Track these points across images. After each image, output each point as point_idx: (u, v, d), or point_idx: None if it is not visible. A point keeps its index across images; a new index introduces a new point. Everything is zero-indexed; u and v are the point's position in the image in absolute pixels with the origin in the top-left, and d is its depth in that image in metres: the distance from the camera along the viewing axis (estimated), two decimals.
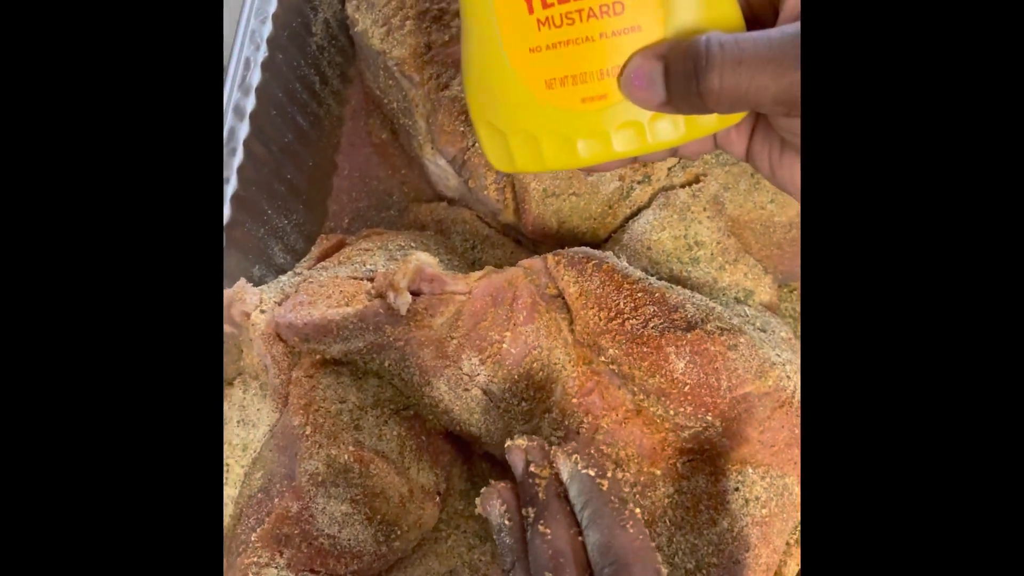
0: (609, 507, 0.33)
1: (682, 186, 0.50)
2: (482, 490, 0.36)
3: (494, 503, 0.36)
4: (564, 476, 0.35)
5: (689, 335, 0.40)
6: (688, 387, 0.40)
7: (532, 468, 0.36)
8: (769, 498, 0.44)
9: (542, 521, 0.33)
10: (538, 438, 0.37)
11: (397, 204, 0.60)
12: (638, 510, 0.34)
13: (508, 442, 0.37)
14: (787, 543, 0.47)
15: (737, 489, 0.43)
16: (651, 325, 0.41)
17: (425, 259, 0.40)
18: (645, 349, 0.41)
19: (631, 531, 0.32)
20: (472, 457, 0.47)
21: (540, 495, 0.35)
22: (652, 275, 0.47)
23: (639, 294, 0.41)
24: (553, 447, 0.36)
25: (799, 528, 0.47)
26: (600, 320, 0.41)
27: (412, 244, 0.50)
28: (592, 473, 0.34)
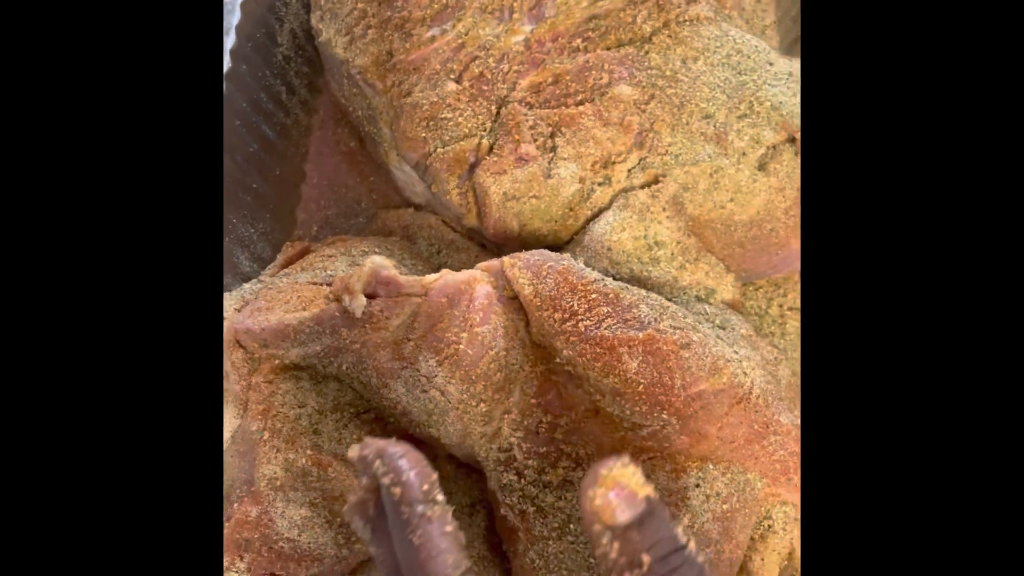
0: (397, 519, 0.32)
1: (641, 187, 0.50)
2: (345, 507, 0.36)
3: (356, 521, 0.35)
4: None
5: (641, 335, 0.41)
6: (642, 387, 0.41)
7: (365, 481, 0.35)
8: (730, 493, 0.44)
9: (375, 542, 0.34)
10: (370, 442, 0.35)
11: (366, 211, 0.61)
12: (434, 510, 0.32)
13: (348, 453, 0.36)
14: (752, 538, 0.47)
15: (698, 486, 0.43)
16: (604, 326, 0.41)
17: (380, 262, 0.41)
18: (598, 350, 0.41)
19: (415, 542, 0.31)
20: (436, 459, 0.47)
21: (370, 512, 0.34)
22: (612, 276, 0.48)
23: (593, 295, 0.42)
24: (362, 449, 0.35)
25: (763, 523, 0.47)
26: (554, 322, 0.42)
27: (376, 249, 0.51)
28: (388, 481, 0.33)
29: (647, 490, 0.31)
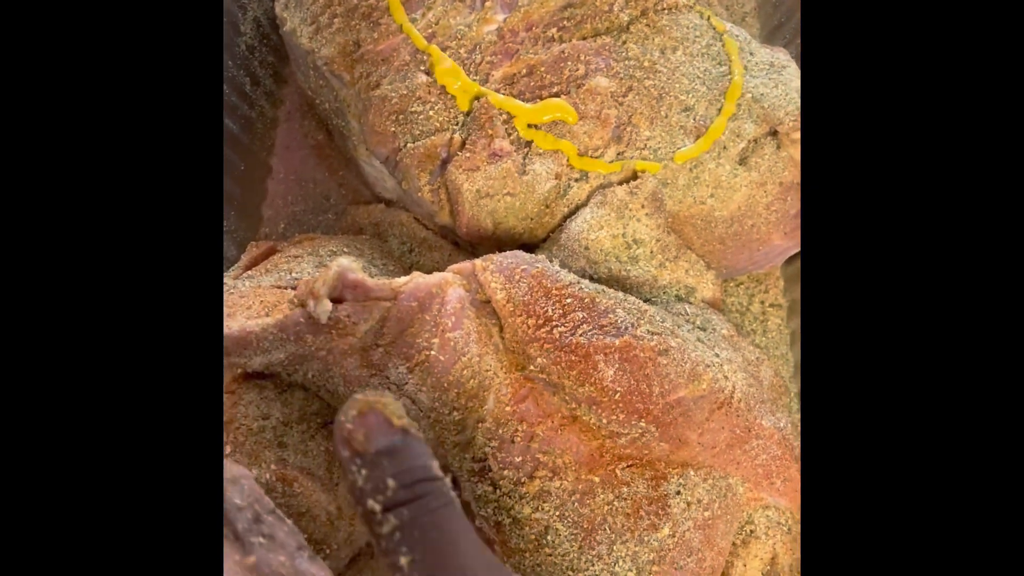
0: None
1: (620, 183, 0.48)
2: None
3: None
4: None
5: (618, 341, 0.39)
6: (619, 395, 0.39)
7: None
8: (712, 500, 0.43)
9: None
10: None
11: (335, 207, 0.59)
12: None
13: None
14: (733, 544, 0.46)
15: (679, 493, 0.42)
16: (580, 332, 0.39)
17: (347, 264, 0.39)
18: (573, 357, 0.39)
19: None
20: None
21: None
22: (590, 275, 0.46)
23: (568, 300, 0.40)
24: None
25: (745, 528, 0.46)
26: (528, 328, 0.40)
27: (345, 249, 0.49)
28: None
29: (403, 422, 0.30)
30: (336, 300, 0.39)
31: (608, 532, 0.41)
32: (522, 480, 0.41)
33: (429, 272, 0.42)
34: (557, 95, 0.49)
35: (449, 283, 0.41)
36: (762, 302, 0.56)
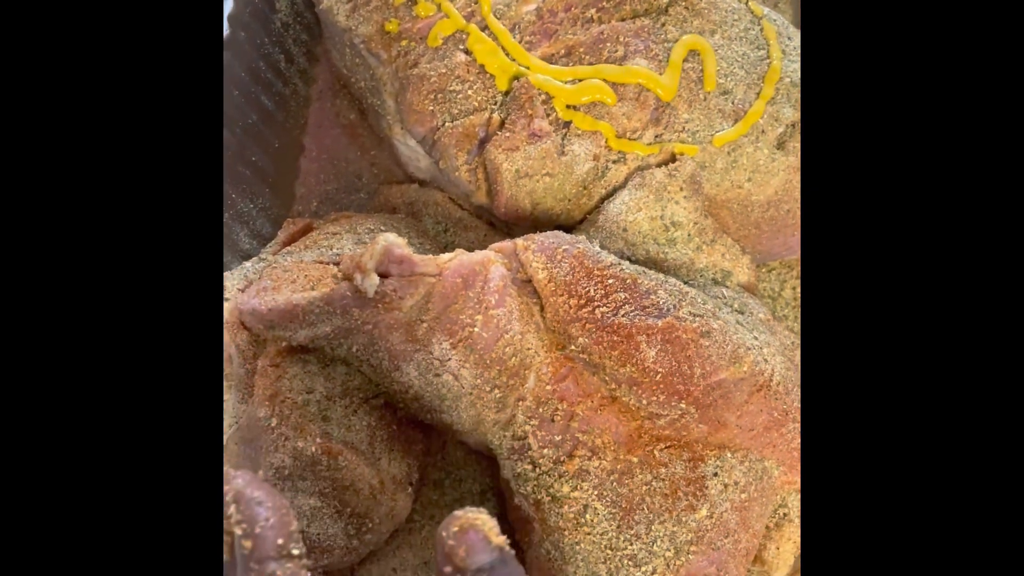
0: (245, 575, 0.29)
1: (658, 165, 0.48)
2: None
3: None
4: None
5: (660, 323, 0.39)
6: (660, 376, 0.39)
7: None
8: (748, 482, 0.43)
9: None
10: (230, 478, 0.31)
11: (367, 186, 0.59)
12: (286, 569, 0.29)
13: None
14: (767, 527, 0.46)
15: (716, 474, 0.42)
16: (622, 313, 0.40)
17: (393, 239, 0.39)
18: (615, 338, 0.39)
19: None
20: (446, 445, 0.46)
21: (226, 556, 0.31)
22: (628, 257, 0.46)
23: (610, 280, 0.40)
24: None
25: (779, 511, 0.47)
26: (570, 308, 0.40)
27: (382, 227, 0.49)
28: (240, 531, 0.30)
29: (500, 540, 0.31)
30: (382, 275, 0.39)
31: (646, 512, 0.41)
32: (561, 459, 0.41)
33: None
34: None
35: (492, 261, 0.41)
36: (794, 288, 0.56)
